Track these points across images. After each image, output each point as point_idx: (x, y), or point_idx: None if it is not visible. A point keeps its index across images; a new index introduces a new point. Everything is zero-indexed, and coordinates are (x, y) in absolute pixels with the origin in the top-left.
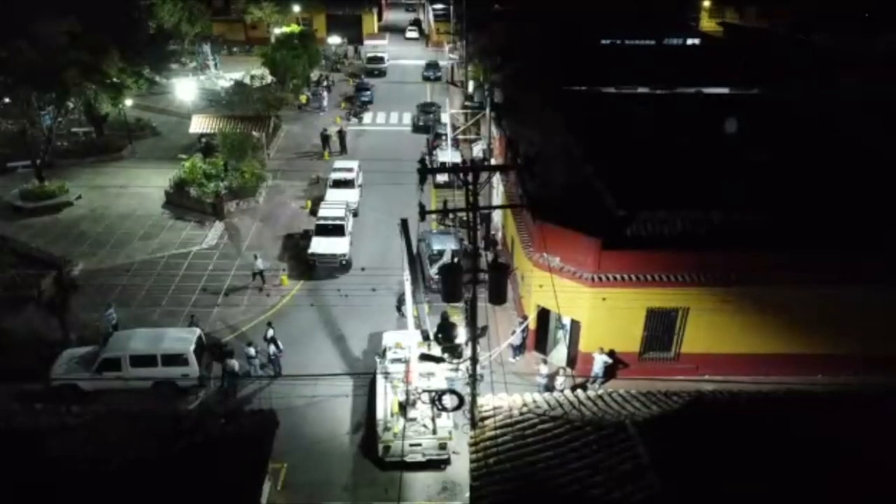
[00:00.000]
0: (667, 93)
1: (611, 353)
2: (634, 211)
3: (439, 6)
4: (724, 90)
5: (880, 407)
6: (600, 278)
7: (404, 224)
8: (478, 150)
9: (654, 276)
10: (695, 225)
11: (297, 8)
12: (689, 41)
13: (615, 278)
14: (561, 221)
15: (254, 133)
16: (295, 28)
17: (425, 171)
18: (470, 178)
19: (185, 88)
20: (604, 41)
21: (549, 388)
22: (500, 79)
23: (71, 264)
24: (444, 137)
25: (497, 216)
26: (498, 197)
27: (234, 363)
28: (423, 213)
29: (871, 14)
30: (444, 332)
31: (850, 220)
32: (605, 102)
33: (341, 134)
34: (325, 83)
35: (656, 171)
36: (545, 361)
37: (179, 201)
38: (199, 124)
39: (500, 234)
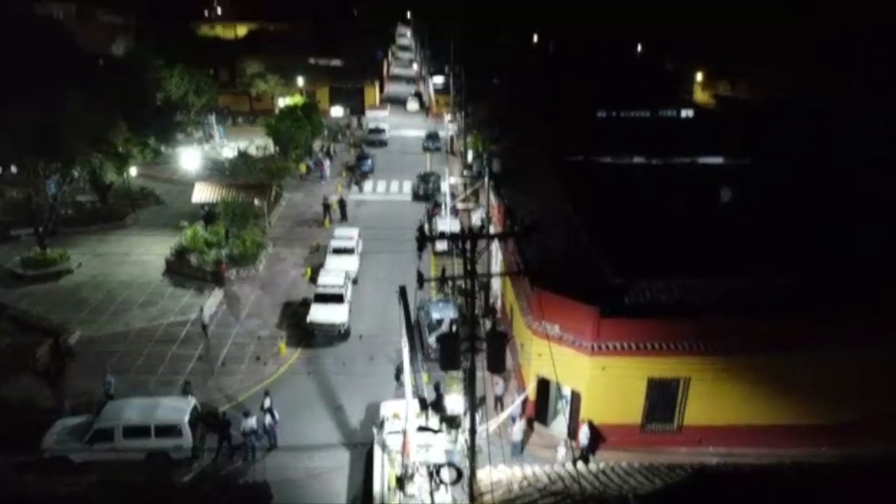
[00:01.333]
0: (662, 163)
1: (589, 424)
2: (632, 279)
3: (439, 79)
4: (719, 160)
5: (884, 479)
6: (600, 347)
7: (403, 292)
8: (476, 219)
9: (653, 344)
10: (693, 292)
11: (301, 81)
12: (683, 113)
13: (615, 347)
14: (559, 289)
15: (255, 201)
16: (298, 100)
17: (424, 238)
18: (468, 245)
19: (189, 158)
20: (600, 113)
21: (520, 448)
22: (499, 149)
23: (68, 332)
24: (443, 206)
25: (496, 284)
26: (497, 265)
27: (252, 421)
28: (420, 280)
29: (863, 81)
30: (435, 403)
31: (850, 283)
32: (601, 172)
33: (342, 202)
34: (322, 152)
35: (654, 239)
36: (513, 420)
37: (180, 269)
38: (202, 193)
39: (499, 302)
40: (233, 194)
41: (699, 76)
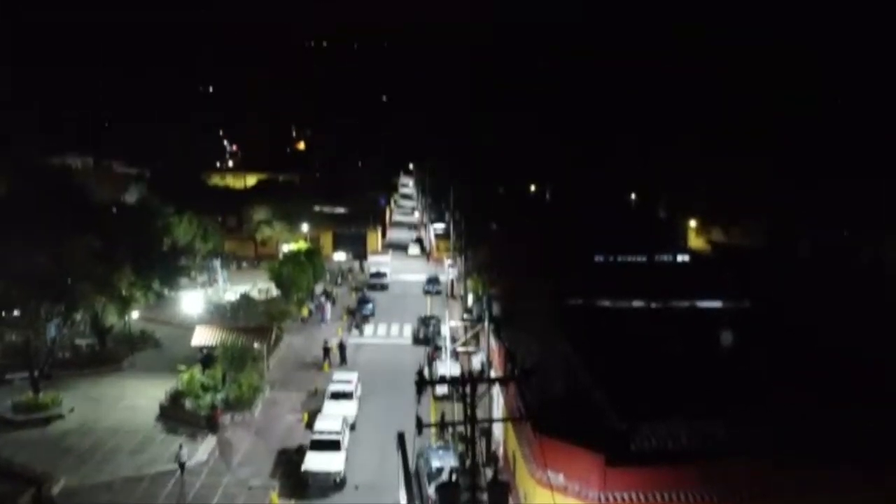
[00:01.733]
0: (661, 306)
1: None
2: (637, 423)
3: (440, 226)
4: (717, 303)
5: None
6: (607, 498)
7: (401, 439)
8: (477, 362)
9: (663, 494)
10: (700, 437)
11: (305, 227)
12: (679, 258)
13: (623, 497)
14: (563, 435)
15: (255, 344)
16: (302, 245)
17: (423, 382)
18: (468, 390)
19: (191, 301)
20: (598, 258)
21: None
22: (498, 292)
23: (52, 481)
24: (443, 349)
25: (498, 430)
26: (498, 410)
27: None
28: (419, 426)
29: (852, 227)
30: None
31: (863, 427)
32: (601, 315)
33: (342, 346)
34: (323, 296)
35: (657, 382)
36: None
37: (174, 414)
38: (202, 336)
39: (501, 449)
40: (232, 337)
41: (693, 223)
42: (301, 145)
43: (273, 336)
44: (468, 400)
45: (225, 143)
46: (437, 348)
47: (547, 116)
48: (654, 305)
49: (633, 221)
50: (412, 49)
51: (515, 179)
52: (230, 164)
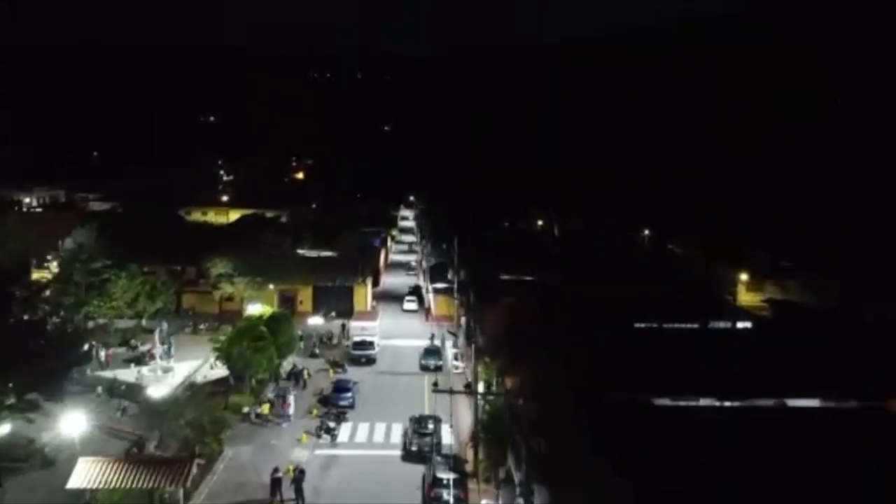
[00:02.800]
0: (741, 406)
1: None
2: None
3: (441, 284)
4: (814, 402)
5: None
6: None
7: None
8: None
9: None
10: None
11: (272, 286)
12: (740, 325)
13: None
14: None
15: (166, 487)
16: (267, 310)
17: None
18: None
19: (74, 421)
20: (638, 324)
21: None
22: (517, 388)
23: None
24: (447, 482)
25: None
26: None
27: None
28: None
29: None
30: None
31: None
32: (658, 423)
33: (298, 474)
34: (292, 379)
35: None
36: None
37: None
38: (86, 474)
39: None
40: (133, 476)
41: (743, 276)
42: (300, 175)
43: (193, 469)
44: None
45: (221, 173)
46: (438, 481)
47: (554, 147)
48: (729, 405)
49: (658, 266)
50: (415, 80)
51: (520, 212)
52: (224, 197)
